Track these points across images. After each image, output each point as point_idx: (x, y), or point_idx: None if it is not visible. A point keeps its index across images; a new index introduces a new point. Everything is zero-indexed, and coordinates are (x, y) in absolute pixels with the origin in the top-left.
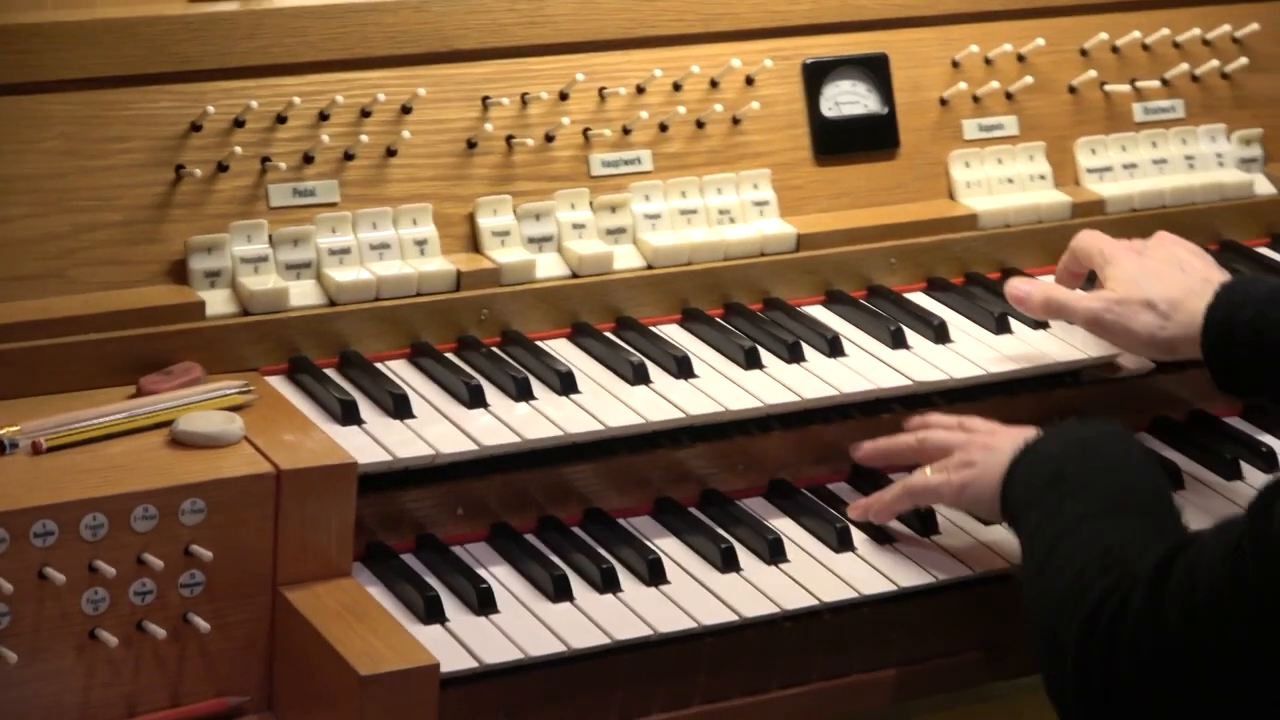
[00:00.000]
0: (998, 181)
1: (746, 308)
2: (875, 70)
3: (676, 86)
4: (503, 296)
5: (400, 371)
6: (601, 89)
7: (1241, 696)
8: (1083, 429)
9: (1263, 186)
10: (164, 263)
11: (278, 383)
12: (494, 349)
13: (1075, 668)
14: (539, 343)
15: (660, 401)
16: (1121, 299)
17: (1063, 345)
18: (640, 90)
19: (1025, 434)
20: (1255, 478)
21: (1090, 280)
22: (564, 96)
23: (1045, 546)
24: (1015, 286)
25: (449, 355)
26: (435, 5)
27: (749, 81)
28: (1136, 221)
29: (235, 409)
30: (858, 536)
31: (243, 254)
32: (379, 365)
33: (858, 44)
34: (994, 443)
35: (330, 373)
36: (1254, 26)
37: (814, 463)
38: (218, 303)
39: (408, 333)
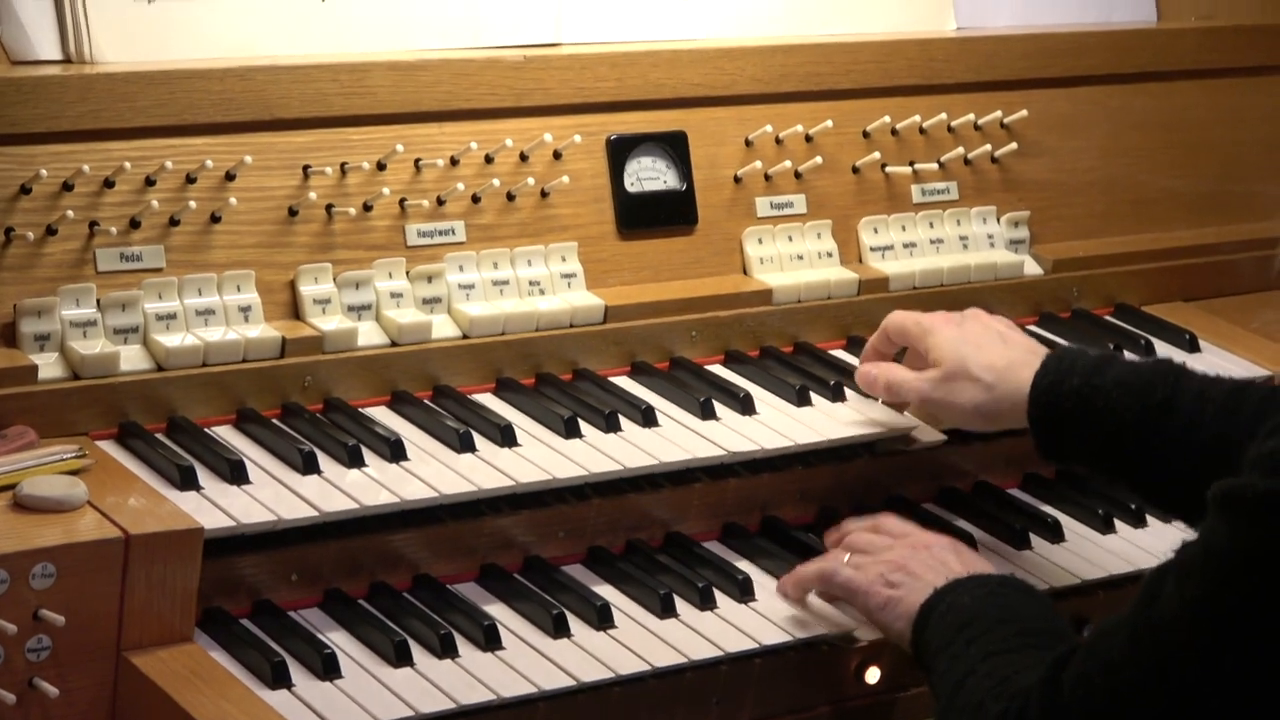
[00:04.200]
0: (789, 258)
1: (558, 378)
2: (675, 147)
3: (489, 159)
4: (325, 364)
5: (229, 437)
6: (418, 160)
7: None
8: (991, 581)
9: (1031, 267)
10: None
11: (109, 447)
12: (318, 415)
13: None
14: (361, 410)
15: (489, 469)
16: (948, 375)
17: (862, 418)
18: (455, 162)
19: (944, 568)
20: (1043, 547)
21: (900, 356)
22: (382, 167)
23: (952, 687)
24: (865, 373)
25: (275, 421)
26: (260, 74)
27: (557, 156)
28: (918, 299)
29: (73, 473)
30: (680, 603)
31: (72, 318)
32: (208, 430)
33: (659, 121)
34: (916, 567)
35: (161, 438)
36: (1023, 113)
37: (630, 530)
38: (48, 366)
39: (234, 398)
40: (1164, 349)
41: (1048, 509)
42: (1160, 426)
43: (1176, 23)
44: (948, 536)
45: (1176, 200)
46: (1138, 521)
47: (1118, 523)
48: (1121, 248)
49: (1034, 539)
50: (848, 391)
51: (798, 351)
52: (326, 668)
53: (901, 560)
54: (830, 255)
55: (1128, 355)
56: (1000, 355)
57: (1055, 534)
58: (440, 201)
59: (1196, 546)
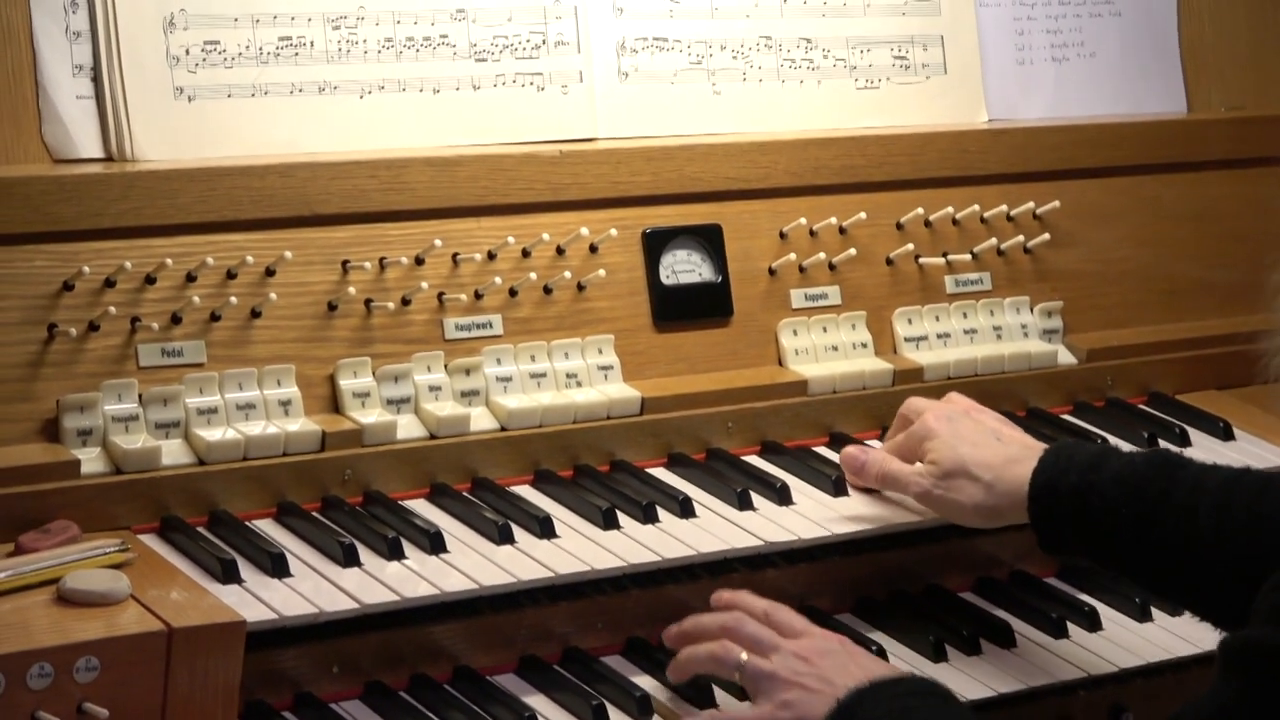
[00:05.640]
0: (823, 349)
1: (596, 469)
2: (710, 240)
3: (526, 253)
4: (365, 457)
5: (269, 530)
6: (455, 254)
7: None
8: (901, 688)
9: (1065, 356)
10: (37, 421)
11: (151, 541)
12: (358, 508)
13: None
14: (400, 502)
15: (528, 561)
16: (946, 473)
17: (897, 508)
18: (492, 256)
19: (844, 681)
20: (1080, 636)
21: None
22: (420, 261)
23: None
24: (851, 456)
25: (316, 514)
26: (300, 170)
27: (593, 249)
28: (952, 389)
29: (116, 567)
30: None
31: (114, 413)
32: (249, 524)
33: (694, 215)
34: (811, 682)
35: (202, 531)
36: (1055, 204)
37: (668, 620)
38: (90, 461)
39: (274, 492)
40: (1199, 437)
41: (1085, 597)
42: (1157, 520)
43: (1206, 113)
44: (838, 635)
45: (1209, 290)
46: (1175, 610)
47: (1155, 611)
48: (1155, 337)
49: (1071, 628)
50: None
51: (833, 442)
52: None
53: (792, 674)
54: (865, 346)
55: (1123, 447)
56: (997, 453)
57: (1093, 622)
58: (478, 295)
59: (1209, 708)
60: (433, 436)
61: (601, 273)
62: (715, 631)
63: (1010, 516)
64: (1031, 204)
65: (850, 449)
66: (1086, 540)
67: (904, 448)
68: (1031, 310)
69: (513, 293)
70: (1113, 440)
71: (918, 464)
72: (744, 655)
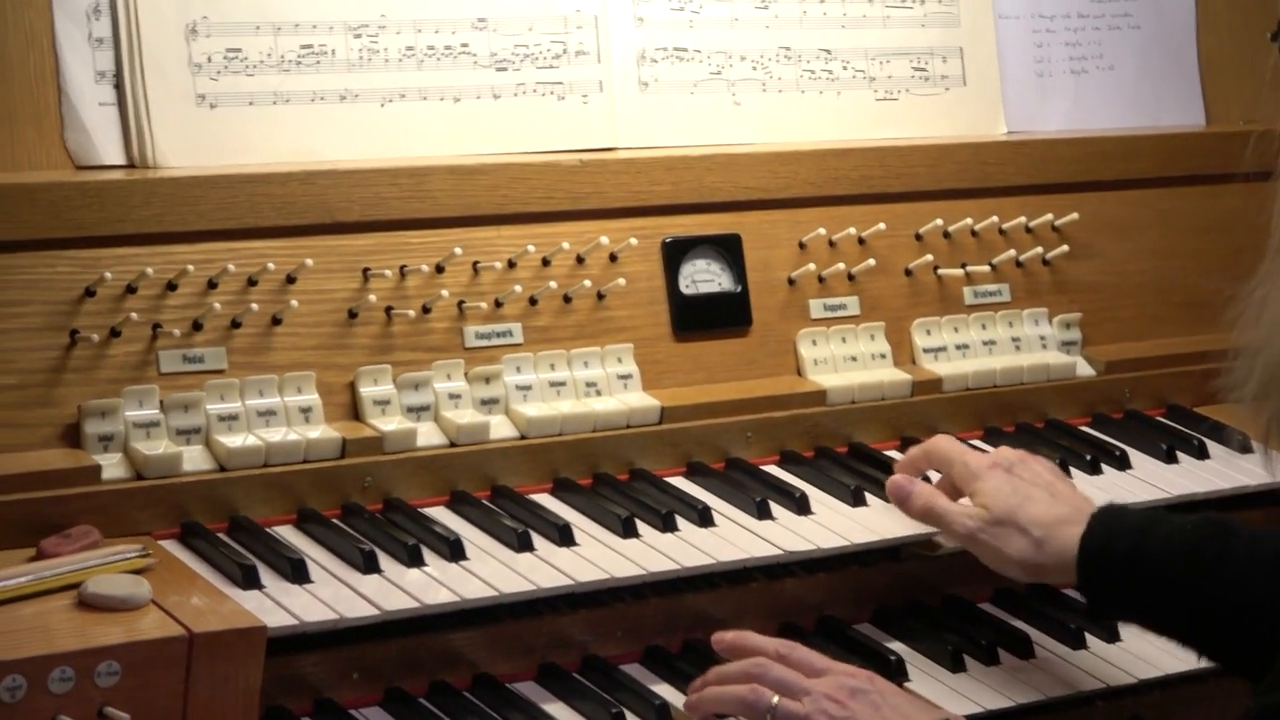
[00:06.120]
0: (842, 359)
1: (615, 478)
2: (729, 250)
3: (546, 262)
4: (385, 464)
5: (290, 537)
6: (476, 263)
7: None
8: None
9: (1083, 368)
10: (58, 426)
11: (172, 546)
12: (378, 515)
13: None
14: (420, 509)
15: (547, 569)
16: (996, 520)
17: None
18: (512, 265)
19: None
20: (1099, 647)
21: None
22: (441, 269)
23: None
24: (898, 485)
25: (336, 521)
26: (321, 178)
27: (613, 258)
28: (971, 400)
29: (137, 572)
30: None
31: (135, 419)
32: (269, 530)
33: (714, 224)
34: (859, 710)
35: (223, 537)
36: (1074, 216)
37: (687, 629)
38: (111, 467)
39: (294, 498)
40: (1216, 449)
41: None
42: (1211, 587)
43: (1225, 126)
44: (865, 671)
45: (1227, 303)
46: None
47: None
48: (1173, 349)
49: (1090, 639)
50: None
51: (852, 452)
52: None
53: (841, 700)
54: (883, 357)
55: (1171, 514)
56: (1049, 510)
57: (1111, 633)
58: (498, 304)
59: None
60: (453, 444)
61: (621, 282)
62: (740, 679)
63: (1053, 576)
64: (1050, 216)
65: (897, 477)
66: (1138, 606)
67: (946, 483)
68: (1050, 322)
69: (533, 301)
70: (1131, 452)
71: (965, 503)
72: (775, 699)
